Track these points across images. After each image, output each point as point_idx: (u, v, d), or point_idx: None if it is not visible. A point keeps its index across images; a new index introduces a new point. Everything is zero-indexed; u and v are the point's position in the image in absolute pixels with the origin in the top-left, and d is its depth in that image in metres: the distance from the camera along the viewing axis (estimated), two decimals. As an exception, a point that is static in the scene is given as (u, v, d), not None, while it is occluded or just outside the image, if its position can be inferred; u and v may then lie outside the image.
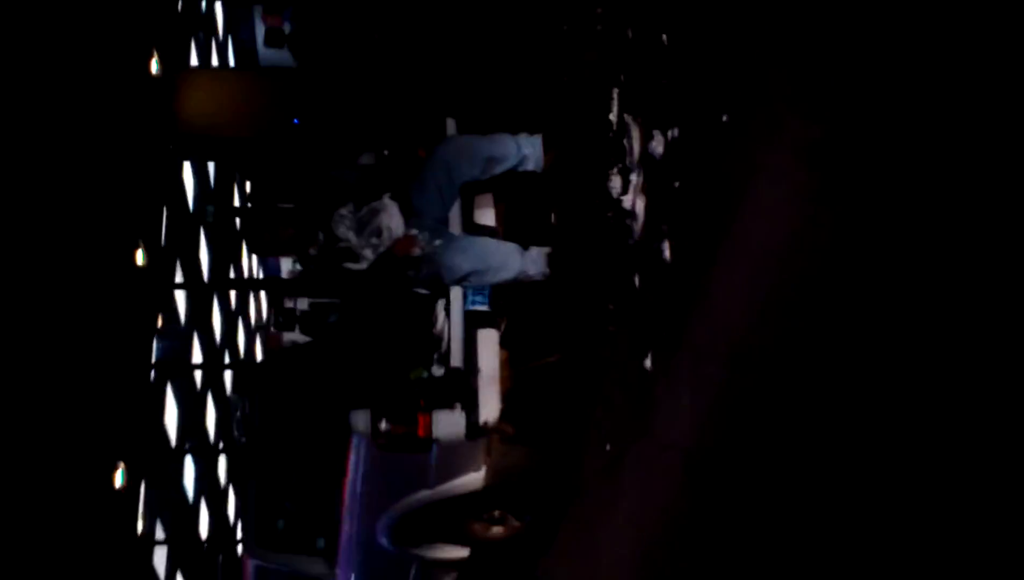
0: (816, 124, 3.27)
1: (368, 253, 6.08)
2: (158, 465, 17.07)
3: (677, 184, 4.48)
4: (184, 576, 19.08)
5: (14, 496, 9.13)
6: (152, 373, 15.32)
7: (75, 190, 10.34)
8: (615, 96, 5.11)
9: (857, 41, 3.02)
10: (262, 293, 28.62)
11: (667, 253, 4.53)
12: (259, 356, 28.08)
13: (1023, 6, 2.35)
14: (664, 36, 4.50)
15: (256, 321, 28.22)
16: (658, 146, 4.60)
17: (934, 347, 2.66)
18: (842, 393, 3.11)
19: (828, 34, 3.21)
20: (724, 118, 3.94)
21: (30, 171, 9.38)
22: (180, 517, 18.95)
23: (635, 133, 4.85)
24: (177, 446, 18.73)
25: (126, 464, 11.77)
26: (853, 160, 3.05)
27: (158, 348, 15.91)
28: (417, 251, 6.03)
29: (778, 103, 3.54)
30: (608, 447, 5.32)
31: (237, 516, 24.71)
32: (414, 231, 6.10)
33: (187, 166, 18.34)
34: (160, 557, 17.58)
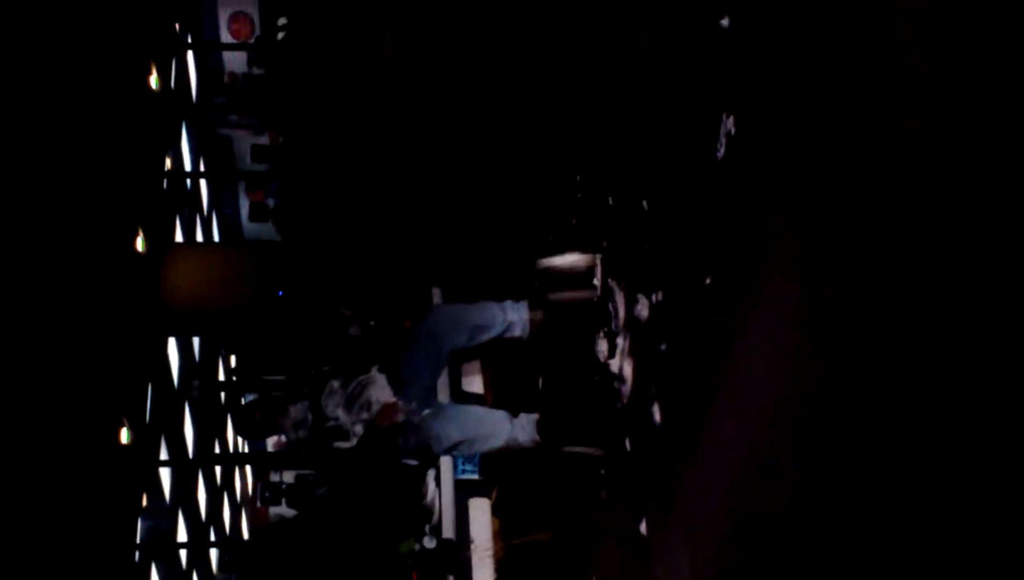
0: (800, 285, 3.32)
1: (359, 429, 6.05)
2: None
3: (663, 347, 4.50)
4: None
5: None
6: (137, 553, 15.01)
7: (60, 371, 10.31)
8: (598, 262, 5.19)
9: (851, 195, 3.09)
10: (247, 467, 28.32)
11: (657, 416, 4.53)
12: (246, 533, 27.63)
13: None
14: (644, 202, 4.59)
15: (242, 496, 27.84)
16: (643, 309, 4.65)
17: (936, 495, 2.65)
18: (841, 546, 3.07)
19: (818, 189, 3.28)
20: (707, 281, 4.00)
21: (17, 352, 9.37)
22: None
23: (619, 297, 4.91)
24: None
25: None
26: (842, 322, 3.08)
27: (143, 527, 15.63)
28: (401, 417, 6.00)
29: (762, 264, 3.60)
30: (606, 616, 5.22)
31: None
32: (398, 400, 6.08)
33: (172, 342, 18.35)
34: None
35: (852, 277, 2.99)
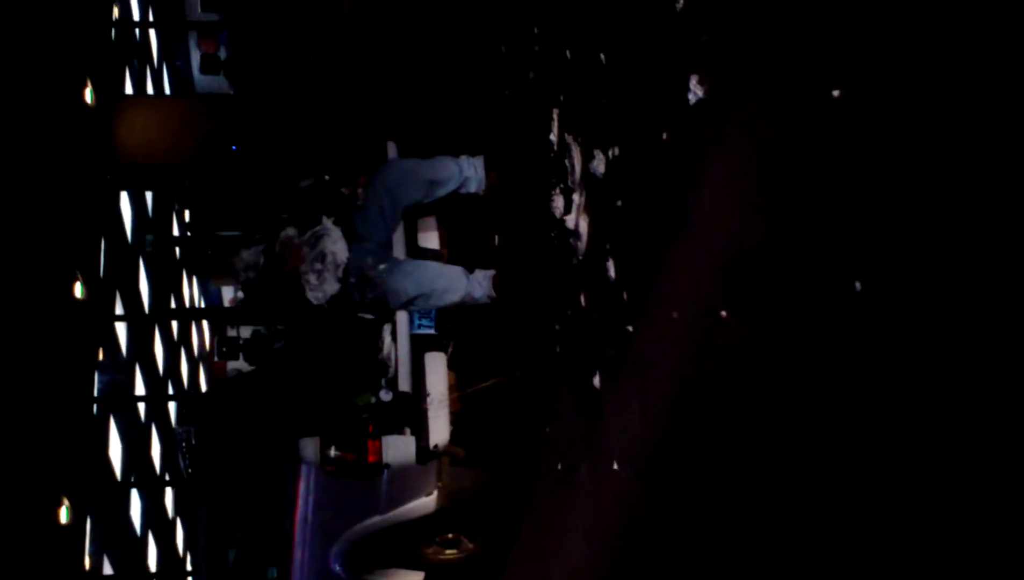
0: (756, 138, 3.31)
1: (312, 278, 6.04)
2: (103, 500, 16.82)
3: (619, 202, 4.50)
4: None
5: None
6: (95, 407, 15.09)
7: (11, 223, 10.18)
8: (555, 116, 5.13)
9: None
10: (204, 322, 28.36)
11: (612, 271, 4.55)
12: (204, 387, 27.81)
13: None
14: (602, 55, 4.53)
15: (199, 351, 27.94)
16: (599, 165, 4.63)
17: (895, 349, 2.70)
18: (792, 399, 3.14)
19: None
20: (664, 136, 3.98)
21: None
22: (128, 551, 18.67)
23: (576, 153, 4.88)
24: (122, 480, 18.46)
25: (71, 500, 11.58)
26: (796, 177, 3.09)
27: (100, 382, 15.69)
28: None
29: (718, 116, 3.58)
30: (559, 466, 5.33)
31: (186, 548, 24.41)
32: (360, 259, 6.08)
33: (124, 196, 18.14)
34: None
35: (809, 130, 2.99)
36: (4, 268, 9.94)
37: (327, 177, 6.53)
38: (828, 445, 2.92)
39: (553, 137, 5.16)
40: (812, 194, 2.97)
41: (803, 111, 3.01)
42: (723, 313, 3.52)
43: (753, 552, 3.38)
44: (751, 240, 3.38)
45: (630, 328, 4.39)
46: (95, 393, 14.82)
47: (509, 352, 6.12)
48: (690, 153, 3.79)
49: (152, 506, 20.88)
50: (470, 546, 6.84)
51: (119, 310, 17.73)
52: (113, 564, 17.44)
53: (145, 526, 20.18)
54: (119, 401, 18.23)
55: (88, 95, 12.05)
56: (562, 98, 5.11)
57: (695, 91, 3.67)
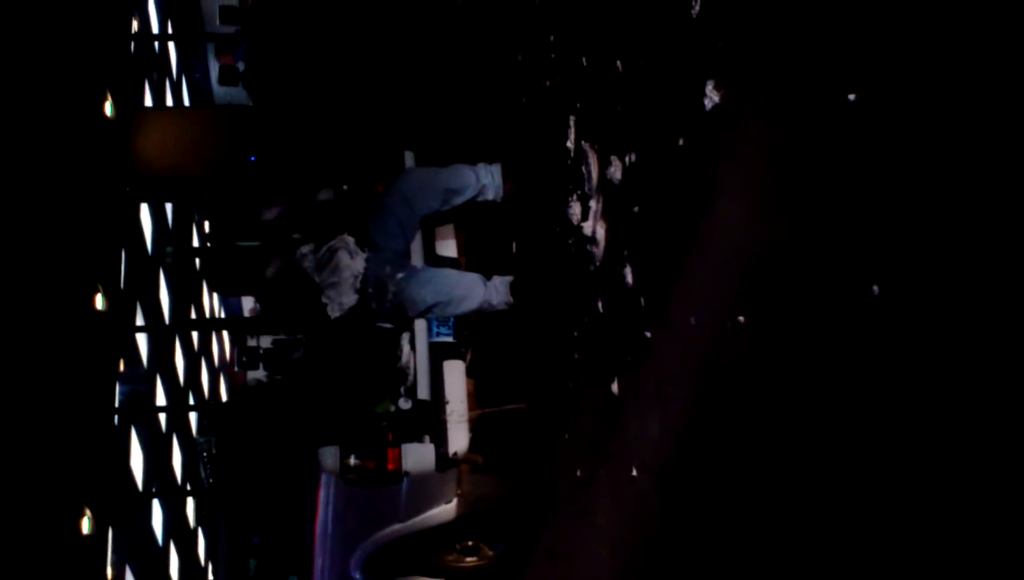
0: (773, 142, 3.31)
1: (330, 293, 6.08)
2: (125, 510, 16.89)
3: (636, 209, 4.51)
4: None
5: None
6: (116, 418, 15.17)
7: (32, 236, 10.25)
8: (572, 123, 5.14)
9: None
10: (224, 333, 28.48)
11: (629, 277, 4.56)
12: (224, 397, 27.91)
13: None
14: (618, 62, 4.54)
15: (219, 361, 28.06)
16: (616, 172, 4.64)
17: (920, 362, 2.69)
18: (812, 404, 3.13)
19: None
20: (680, 141, 3.98)
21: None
22: (150, 561, 18.74)
23: (593, 160, 4.89)
24: (144, 490, 18.54)
25: (92, 510, 11.63)
26: (816, 178, 3.09)
27: (121, 392, 15.77)
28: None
29: (735, 122, 3.58)
30: (579, 473, 5.33)
31: (207, 558, 24.49)
32: (378, 268, 6.10)
33: (144, 208, 18.25)
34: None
35: (825, 134, 2.99)
36: (26, 280, 10.00)
37: (345, 188, 6.56)
38: (848, 450, 2.92)
39: (570, 144, 5.16)
40: (828, 198, 2.97)
41: (819, 115, 3.00)
42: (741, 318, 3.52)
43: (774, 561, 3.37)
44: (768, 245, 3.38)
45: (648, 334, 4.39)
46: (116, 404, 14.89)
47: (528, 363, 6.12)
48: (706, 159, 3.80)
49: (174, 516, 20.95)
50: (490, 553, 6.85)
51: (140, 321, 17.82)
52: (135, 574, 17.51)
53: (167, 536, 20.25)
54: (140, 412, 18.32)
55: (108, 108, 12.13)
56: (579, 105, 5.12)
57: (711, 97, 3.67)
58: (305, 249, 6.21)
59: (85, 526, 11.44)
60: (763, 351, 3.40)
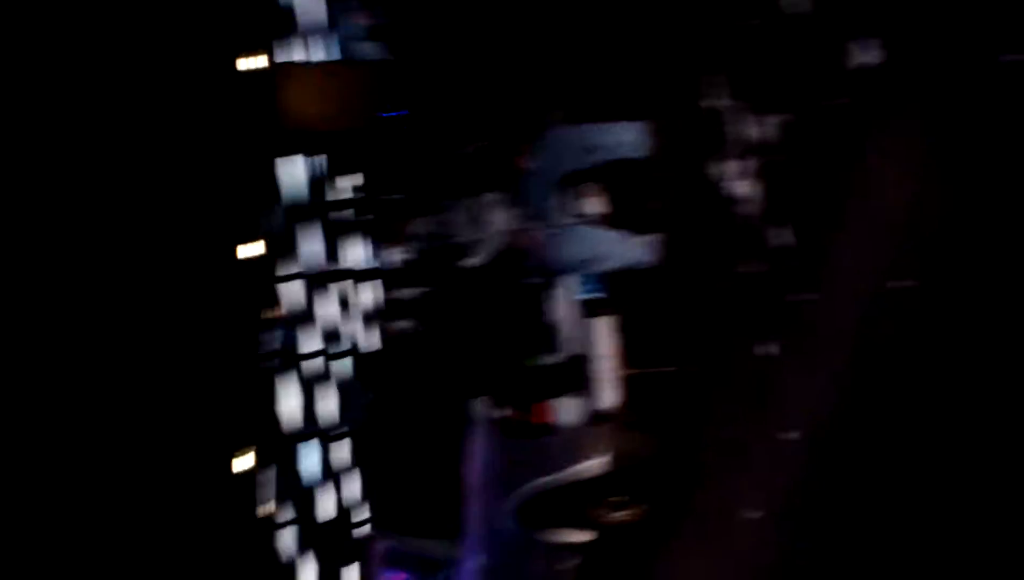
0: (927, 108, 3.22)
1: (478, 247, 6.14)
2: (284, 450, 17.38)
3: (791, 169, 4.43)
4: (315, 555, 19.41)
5: (144, 485, 9.41)
6: (276, 362, 15.58)
7: (196, 188, 10.57)
8: (725, 83, 5.05)
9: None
10: (377, 283, 28.84)
11: (784, 238, 4.49)
12: (377, 344, 28.33)
13: None
14: (758, 21, 4.44)
15: (372, 310, 28.49)
16: (770, 131, 4.55)
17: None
18: (972, 381, 3.06)
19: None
20: (836, 101, 3.89)
21: (147, 170, 9.62)
22: (306, 499, 19.25)
23: (745, 119, 4.80)
24: (302, 430, 19.02)
25: (256, 449, 12.03)
26: (969, 147, 2.99)
27: (270, 339, 16.13)
28: (531, 244, 6.08)
29: (889, 85, 3.49)
30: (729, 434, 5.30)
31: (364, 498, 25.07)
32: (526, 225, 6.12)
33: (299, 160, 18.55)
34: (289, 538, 17.91)
35: (984, 98, 2.89)
36: (174, 232, 10.33)
37: (490, 145, 6.59)
38: (1009, 420, 2.84)
39: (723, 103, 5.08)
40: (988, 162, 2.87)
41: (977, 79, 2.90)
42: (897, 282, 3.44)
43: (928, 526, 3.32)
44: (925, 209, 3.29)
45: (801, 296, 4.33)
46: (275, 349, 15.29)
47: (678, 319, 6.09)
48: (863, 120, 3.70)
49: (330, 456, 21.41)
50: (639, 510, 6.88)
51: (295, 270, 18.15)
52: (294, 510, 18.02)
53: (324, 475, 20.74)
54: (289, 358, 18.73)
55: (260, 61, 12.36)
56: (731, 65, 5.03)
57: (871, 57, 3.57)
58: (454, 203, 6.28)
59: (247, 463, 11.85)
60: (921, 314, 3.33)
